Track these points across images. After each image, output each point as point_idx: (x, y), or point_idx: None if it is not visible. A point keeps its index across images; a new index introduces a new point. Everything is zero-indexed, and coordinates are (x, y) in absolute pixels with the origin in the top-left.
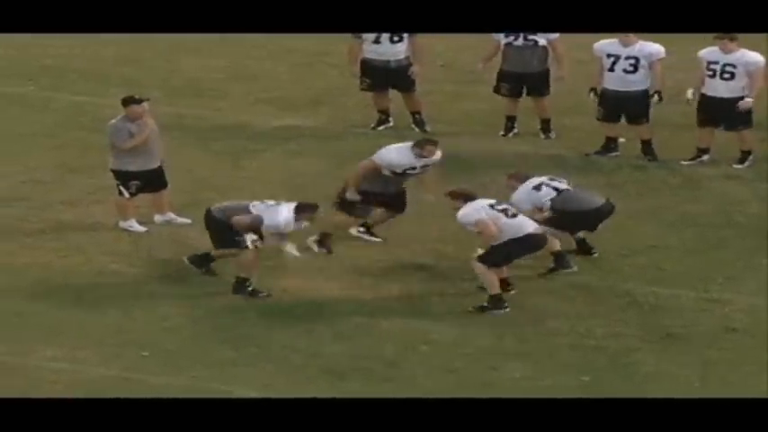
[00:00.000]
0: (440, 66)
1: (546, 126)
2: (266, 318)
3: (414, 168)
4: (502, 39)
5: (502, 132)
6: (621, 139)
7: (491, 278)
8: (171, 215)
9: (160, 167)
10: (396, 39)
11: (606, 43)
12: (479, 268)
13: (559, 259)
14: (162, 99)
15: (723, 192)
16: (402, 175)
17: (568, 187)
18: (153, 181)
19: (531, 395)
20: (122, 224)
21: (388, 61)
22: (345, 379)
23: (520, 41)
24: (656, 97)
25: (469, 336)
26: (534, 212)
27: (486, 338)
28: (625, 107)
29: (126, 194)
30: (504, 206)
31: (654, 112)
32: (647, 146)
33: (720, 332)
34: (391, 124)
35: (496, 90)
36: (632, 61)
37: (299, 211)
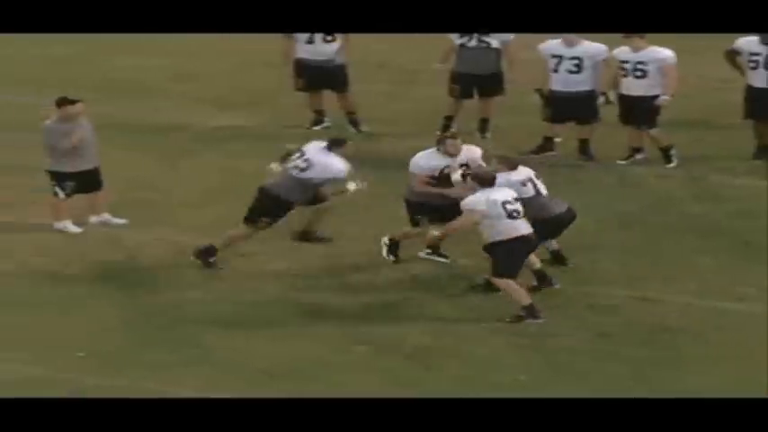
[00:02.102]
0: (376, 66)
1: (484, 126)
2: (203, 319)
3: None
4: (456, 39)
5: (439, 131)
6: (557, 139)
7: (515, 289)
8: (107, 216)
9: (96, 168)
10: (329, 38)
11: (550, 44)
12: (501, 284)
13: (542, 278)
14: (100, 99)
15: (658, 191)
16: (444, 178)
17: (545, 193)
18: (88, 182)
19: (468, 395)
20: (57, 225)
21: (322, 61)
22: (278, 379)
23: (474, 43)
24: (601, 98)
25: (407, 335)
26: None
27: (424, 338)
28: (572, 108)
29: (61, 195)
30: (516, 207)
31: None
32: (584, 145)
33: (656, 331)
34: (327, 124)
35: (450, 92)
36: (576, 62)
37: (333, 147)
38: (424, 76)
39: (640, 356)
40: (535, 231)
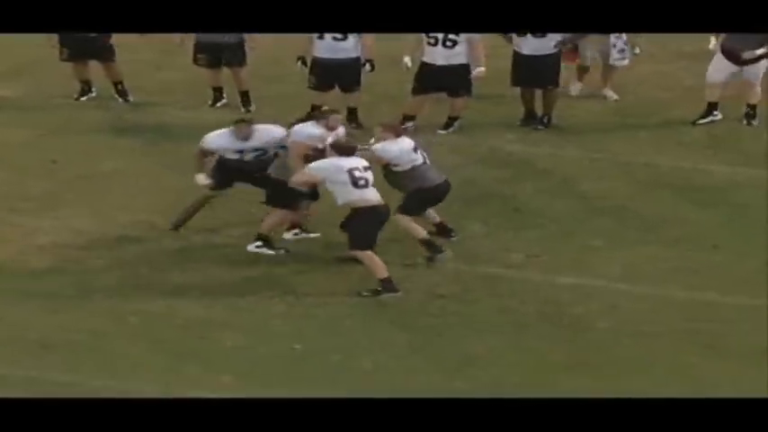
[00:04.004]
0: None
1: (246, 98)
2: None
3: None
4: None
5: (210, 102)
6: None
7: (375, 262)
8: None
9: None
10: None
11: None
12: (362, 256)
13: (430, 246)
14: None
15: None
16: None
17: (427, 162)
18: None
19: (243, 366)
20: None
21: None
22: (53, 351)
23: None
24: (367, 66)
25: (179, 307)
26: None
27: (196, 309)
28: (337, 75)
29: None
30: (365, 175)
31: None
32: (353, 114)
33: (428, 299)
34: (94, 95)
35: (194, 61)
36: None
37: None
38: (190, 45)
39: (416, 324)
40: (415, 200)
